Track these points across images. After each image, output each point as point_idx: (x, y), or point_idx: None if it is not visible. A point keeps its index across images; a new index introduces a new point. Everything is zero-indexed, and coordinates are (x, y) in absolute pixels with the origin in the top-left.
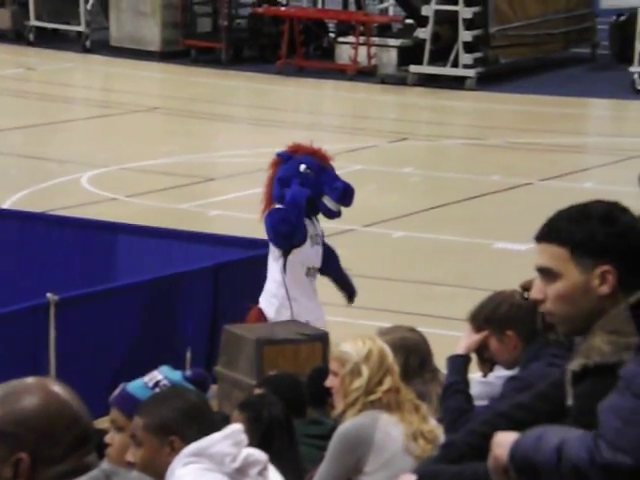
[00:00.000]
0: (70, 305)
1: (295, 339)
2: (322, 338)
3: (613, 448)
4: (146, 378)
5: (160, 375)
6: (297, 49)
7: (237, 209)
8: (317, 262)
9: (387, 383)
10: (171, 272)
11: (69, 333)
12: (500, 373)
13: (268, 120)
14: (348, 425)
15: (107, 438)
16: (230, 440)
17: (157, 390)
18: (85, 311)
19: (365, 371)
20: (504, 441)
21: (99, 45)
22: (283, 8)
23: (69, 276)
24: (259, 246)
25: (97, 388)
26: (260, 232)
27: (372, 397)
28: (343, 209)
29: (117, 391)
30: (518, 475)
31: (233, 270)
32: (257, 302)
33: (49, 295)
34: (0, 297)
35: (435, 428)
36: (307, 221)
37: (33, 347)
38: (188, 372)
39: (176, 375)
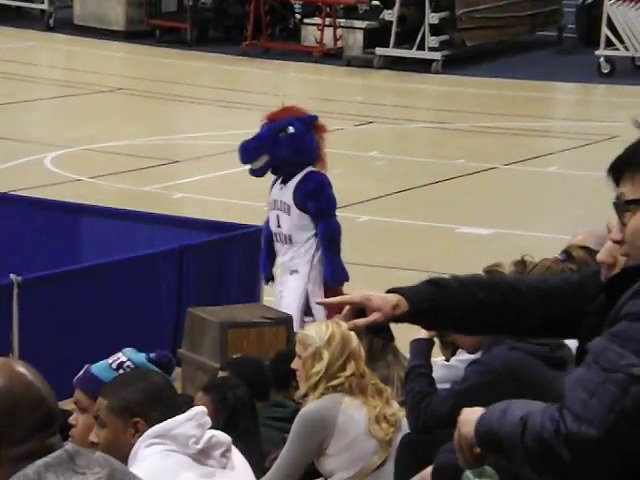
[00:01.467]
0: (34, 286)
1: (259, 322)
2: (286, 322)
3: (579, 419)
4: (110, 360)
5: (124, 357)
6: (263, 30)
7: (202, 191)
8: (273, 227)
9: (350, 368)
10: (135, 254)
11: (33, 314)
12: (462, 357)
13: (233, 102)
14: (311, 407)
15: (71, 419)
16: (194, 422)
17: (121, 372)
18: (49, 292)
19: (326, 355)
20: (470, 418)
21: (63, 24)
22: None
23: (32, 257)
24: (224, 229)
25: (61, 370)
26: (224, 215)
27: (334, 382)
28: None
29: (81, 372)
30: (483, 449)
31: (198, 253)
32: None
33: (12, 276)
34: None
35: (397, 411)
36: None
37: None
38: (152, 354)
39: (140, 357)
